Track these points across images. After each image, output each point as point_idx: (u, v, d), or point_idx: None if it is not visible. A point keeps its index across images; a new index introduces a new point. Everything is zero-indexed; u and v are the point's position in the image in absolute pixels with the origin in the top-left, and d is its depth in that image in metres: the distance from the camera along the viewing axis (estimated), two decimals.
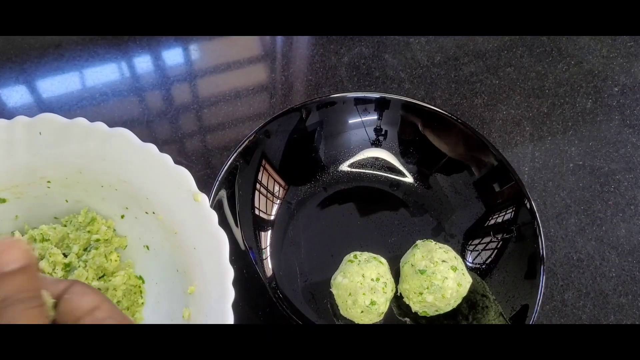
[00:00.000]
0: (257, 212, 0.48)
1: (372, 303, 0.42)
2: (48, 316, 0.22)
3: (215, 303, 0.35)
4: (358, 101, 0.51)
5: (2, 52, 0.58)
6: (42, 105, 0.56)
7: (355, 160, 0.52)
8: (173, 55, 0.60)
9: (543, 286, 0.43)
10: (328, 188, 0.51)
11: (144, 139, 0.37)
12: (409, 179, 0.52)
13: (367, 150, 0.52)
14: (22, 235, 0.40)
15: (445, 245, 0.45)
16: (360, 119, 0.51)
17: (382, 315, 0.44)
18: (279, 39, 0.62)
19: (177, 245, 0.39)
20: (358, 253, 0.46)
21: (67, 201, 0.42)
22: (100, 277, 0.41)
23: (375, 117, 0.51)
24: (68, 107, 0.55)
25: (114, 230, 0.43)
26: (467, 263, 0.47)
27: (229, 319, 0.34)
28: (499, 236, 0.47)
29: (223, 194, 0.46)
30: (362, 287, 0.42)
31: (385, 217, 0.50)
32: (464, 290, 0.43)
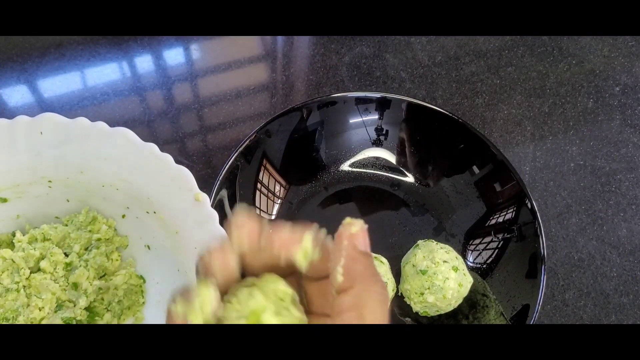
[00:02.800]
0: (258, 211, 0.48)
1: None
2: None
3: None
4: (359, 101, 0.51)
5: (3, 51, 0.58)
6: (43, 105, 0.56)
7: (356, 159, 0.52)
8: (174, 55, 0.60)
9: (544, 286, 0.43)
10: (329, 188, 0.51)
11: (145, 138, 0.37)
12: (409, 178, 0.52)
13: (368, 150, 0.52)
14: (23, 235, 0.40)
15: (447, 245, 0.45)
16: (361, 119, 0.51)
17: None
18: (280, 38, 0.62)
19: (178, 245, 0.39)
20: None
21: (68, 201, 0.42)
22: (101, 277, 0.41)
23: (376, 116, 0.51)
24: (69, 107, 0.55)
25: (115, 229, 0.43)
26: (468, 262, 0.47)
27: None
28: (500, 236, 0.47)
29: (224, 193, 0.46)
30: None
31: (386, 217, 0.50)
32: (465, 291, 0.43)
